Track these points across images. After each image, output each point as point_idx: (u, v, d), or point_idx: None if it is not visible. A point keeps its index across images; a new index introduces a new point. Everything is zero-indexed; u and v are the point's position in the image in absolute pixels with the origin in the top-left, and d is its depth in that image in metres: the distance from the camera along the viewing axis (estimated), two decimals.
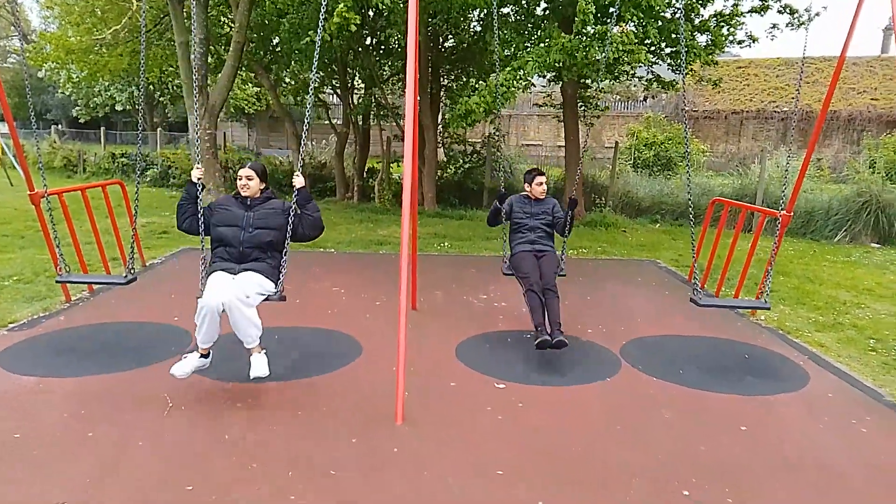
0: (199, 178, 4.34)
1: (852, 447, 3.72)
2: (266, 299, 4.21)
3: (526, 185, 5.62)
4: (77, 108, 29.14)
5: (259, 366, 4.05)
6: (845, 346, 5.62)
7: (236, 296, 3.94)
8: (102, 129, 21.83)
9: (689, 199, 4.98)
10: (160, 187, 16.68)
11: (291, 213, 4.27)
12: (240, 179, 4.40)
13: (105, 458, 3.28)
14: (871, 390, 4.61)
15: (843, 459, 3.56)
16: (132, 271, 4.79)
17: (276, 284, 4.26)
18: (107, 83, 23.67)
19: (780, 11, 11.05)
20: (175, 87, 22.73)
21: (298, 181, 4.34)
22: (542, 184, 5.54)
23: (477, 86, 10.18)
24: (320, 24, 4.39)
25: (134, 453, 3.34)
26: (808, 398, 4.41)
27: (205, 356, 4.12)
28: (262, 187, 4.45)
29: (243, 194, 4.39)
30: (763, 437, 3.81)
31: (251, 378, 4.04)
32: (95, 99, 27.78)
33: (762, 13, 11.14)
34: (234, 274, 4.17)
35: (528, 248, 5.35)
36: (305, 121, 4.46)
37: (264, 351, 4.13)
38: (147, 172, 17.28)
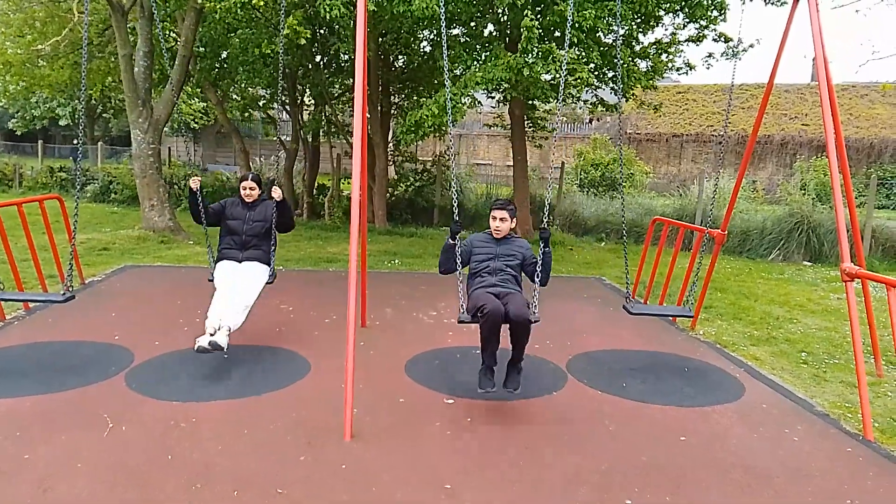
0: (196, 187, 5.25)
1: (783, 453, 3.90)
2: (265, 284, 5.17)
3: (490, 220, 4.68)
4: (14, 120, 28.02)
5: (224, 339, 4.55)
6: (779, 359, 5.89)
7: (236, 304, 4.82)
8: (40, 142, 21.07)
9: (623, 220, 5.21)
10: (101, 203, 16.18)
11: (274, 209, 5.32)
12: (244, 189, 5.44)
13: (42, 481, 3.17)
14: (802, 401, 4.84)
15: (773, 465, 3.73)
16: (70, 289, 4.70)
17: (270, 266, 5.30)
18: (44, 96, 22.87)
19: (715, 40, 11.60)
20: (118, 101, 22.13)
21: (277, 193, 5.26)
22: (495, 219, 4.58)
23: (425, 101, 10.30)
24: (281, 35, 4.42)
25: (73, 475, 3.24)
26: (743, 409, 4.60)
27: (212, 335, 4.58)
28: (259, 193, 5.50)
29: (248, 201, 5.43)
30: (701, 445, 3.95)
31: (208, 343, 4.41)
32: (33, 111, 26.80)
33: (698, 43, 11.67)
34: (239, 262, 5.17)
35: (491, 291, 4.37)
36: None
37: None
38: (87, 187, 16.74)
